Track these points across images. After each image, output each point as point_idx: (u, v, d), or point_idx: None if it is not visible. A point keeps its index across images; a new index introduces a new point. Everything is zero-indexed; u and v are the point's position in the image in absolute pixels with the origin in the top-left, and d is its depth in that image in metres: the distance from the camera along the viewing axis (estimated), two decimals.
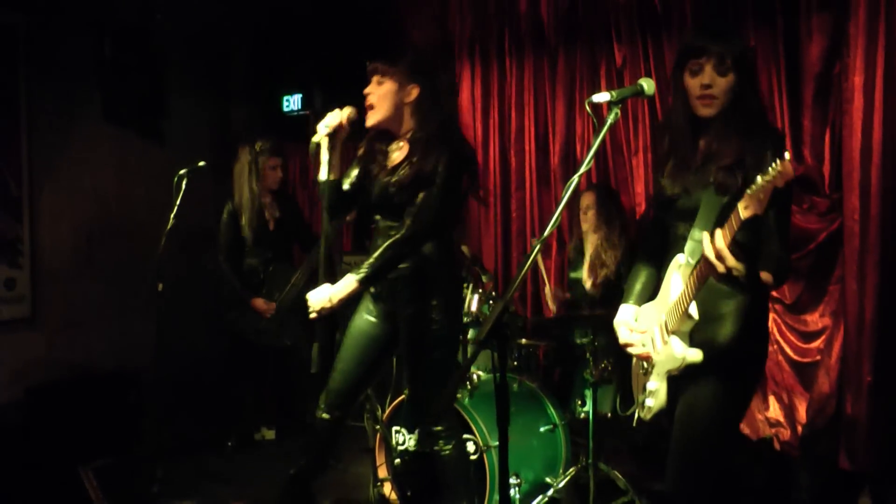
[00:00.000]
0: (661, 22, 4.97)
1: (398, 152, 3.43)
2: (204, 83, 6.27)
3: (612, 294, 4.66)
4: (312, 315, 3.31)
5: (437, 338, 3.39)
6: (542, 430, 4.32)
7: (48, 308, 5.24)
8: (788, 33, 4.54)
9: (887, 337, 4.14)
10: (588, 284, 4.89)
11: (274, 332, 5.32)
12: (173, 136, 5.91)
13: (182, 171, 4.69)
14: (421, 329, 3.38)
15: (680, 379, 2.60)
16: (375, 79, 3.37)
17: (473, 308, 4.50)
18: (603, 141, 2.48)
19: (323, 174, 3.35)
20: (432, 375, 3.42)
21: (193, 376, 5.53)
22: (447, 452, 3.50)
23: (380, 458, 4.26)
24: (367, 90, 3.38)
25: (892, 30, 4.08)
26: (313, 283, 3.38)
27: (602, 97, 2.50)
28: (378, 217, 3.45)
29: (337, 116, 3.30)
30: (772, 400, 4.67)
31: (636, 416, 2.84)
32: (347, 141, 3.42)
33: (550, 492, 4.17)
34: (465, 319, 4.43)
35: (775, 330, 4.59)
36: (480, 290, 4.61)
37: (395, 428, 3.95)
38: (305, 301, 3.33)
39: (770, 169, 2.15)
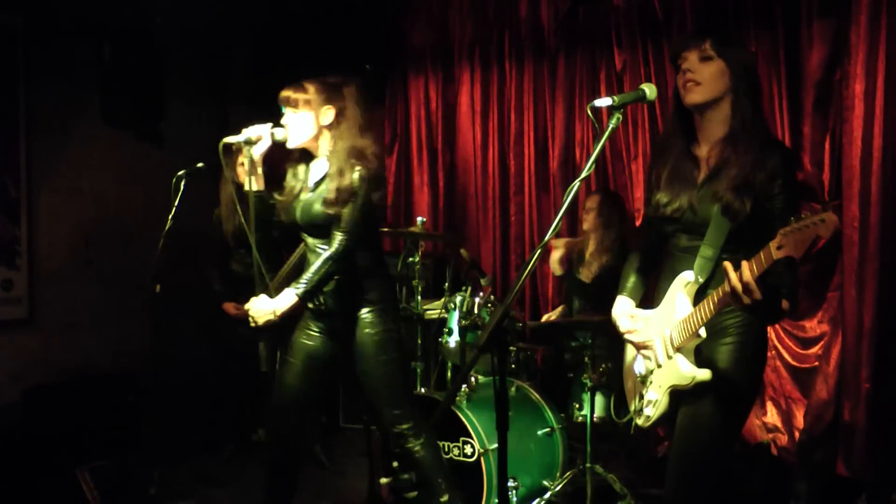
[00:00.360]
0: (662, 27, 4.98)
1: (317, 171, 3.51)
2: (203, 85, 6.27)
3: (599, 293, 4.69)
4: (254, 325, 3.39)
5: (381, 341, 3.47)
6: (539, 433, 4.31)
7: (46, 309, 5.22)
8: (789, 40, 4.55)
9: (886, 344, 4.15)
10: (583, 276, 4.93)
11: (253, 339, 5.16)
12: (172, 139, 5.90)
13: (180, 173, 4.66)
14: (364, 336, 3.46)
15: (682, 392, 2.59)
16: (289, 109, 3.46)
17: (475, 311, 4.50)
18: (603, 146, 2.47)
19: (252, 185, 3.44)
20: (385, 378, 3.50)
21: (191, 378, 5.51)
22: (418, 450, 3.54)
23: (375, 461, 4.26)
24: (283, 120, 3.47)
25: (893, 38, 4.10)
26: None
27: (604, 102, 2.48)
28: (305, 235, 3.53)
29: (263, 130, 3.42)
30: (769, 405, 4.67)
31: (633, 423, 2.83)
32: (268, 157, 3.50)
33: (547, 495, 4.17)
34: (465, 322, 4.43)
35: (774, 336, 4.60)
36: (480, 294, 4.61)
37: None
38: None
39: (810, 215, 2.10)
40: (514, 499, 4.00)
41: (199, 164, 4.79)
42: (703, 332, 2.50)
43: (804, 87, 4.50)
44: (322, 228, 3.42)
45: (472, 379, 4.33)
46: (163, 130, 5.87)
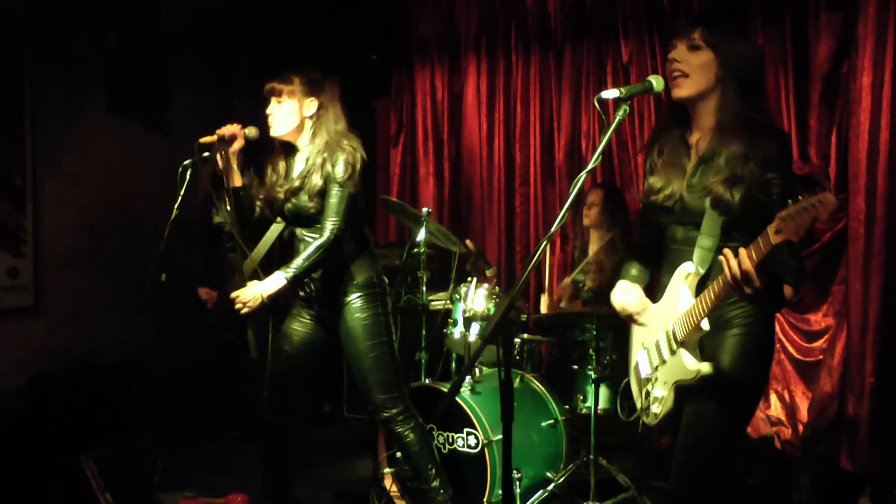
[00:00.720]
0: (669, 18, 4.96)
1: (300, 163, 3.61)
2: (208, 75, 6.26)
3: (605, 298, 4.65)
4: (245, 311, 3.48)
5: (369, 325, 3.55)
6: (543, 425, 4.32)
7: (51, 297, 5.23)
8: (796, 33, 4.54)
9: (890, 338, 4.14)
10: (587, 281, 4.90)
11: (220, 325, 5.16)
12: (177, 128, 5.90)
13: (186, 163, 4.67)
14: (352, 321, 3.54)
15: (688, 387, 2.57)
16: (273, 99, 3.58)
17: (480, 305, 4.49)
18: (610, 138, 2.46)
19: (236, 181, 3.61)
20: (373, 363, 3.56)
21: (195, 367, 5.52)
22: (407, 435, 3.61)
23: (380, 451, 4.27)
24: (267, 110, 3.59)
25: None
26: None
27: (611, 93, 2.47)
28: (295, 228, 3.63)
29: (234, 129, 3.55)
30: (773, 398, 4.67)
31: (640, 421, 2.82)
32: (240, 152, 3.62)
33: (551, 487, 4.17)
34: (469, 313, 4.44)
35: (778, 329, 4.59)
36: (485, 285, 4.61)
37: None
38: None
39: (807, 197, 2.07)
40: (518, 490, 4.00)
41: (205, 154, 4.80)
42: (705, 325, 2.47)
43: (811, 80, 4.49)
44: (308, 218, 3.53)
45: (477, 370, 4.33)
46: (168, 119, 5.87)
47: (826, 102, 4.45)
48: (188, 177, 4.62)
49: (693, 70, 2.54)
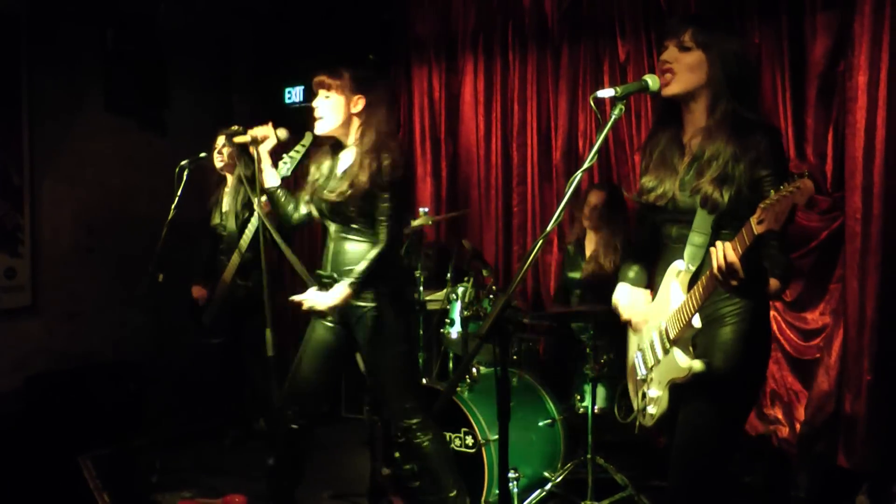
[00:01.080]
0: (665, 17, 4.95)
1: (345, 161, 3.54)
2: (206, 74, 6.27)
3: (602, 294, 4.64)
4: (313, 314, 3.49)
5: (391, 333, 3.50)
6: (540, 424, 4.32)
7: (48, 297, 5.24)
8: (793, 32, 4.53)
9: (887, 336, 4.14)
10: (584, 272, 4.89)
11: (207, 330, 5.11)
12: (175, 127, 5.90)
13: (184, 162, 4.69)
14: (375, 327, 3.48)
15: (682, 386, 2.57)
16: (322, 92, 3.51)
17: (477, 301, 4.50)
18: (606, 137, 2.46)
19: (271, 181, 3.57)
20: (395, 371, 3.54)
21: (193, 367, 5.53)
22: (426, 444, 3.57)
23: (378, 452, 4.27)
24: (314, 103, 3.52)
25: None
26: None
27: (607, 93, 2.48)
28: (328, 223, 3.57)
29: (267, 130, 3.53)
30: (771, 397, 4.67)
31: (637, 422, 2.82)
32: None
33: (549, 486, 4.18)
34: (467, 313, 4.44)
35: (775, 327, 4.59)
36: (482, 285, 4.61)
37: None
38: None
39: (786, 185, 2.08)
40: (515, 489, 4.01)
41: (202, 154, 4.81)
42: (696, 322, 2.48)
43: (807, 78, 4.49)
44: (348, 218, 3.47)
45: (474, 369, 4.33)
46: (166, 118, 5.88)
47: (822, 101, 4.44)
48: (185, 176, 4.65)
49: (681, 69, 2.56)
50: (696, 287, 2.44)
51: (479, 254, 5.14)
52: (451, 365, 4.86)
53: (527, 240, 5.70)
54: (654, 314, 2.67)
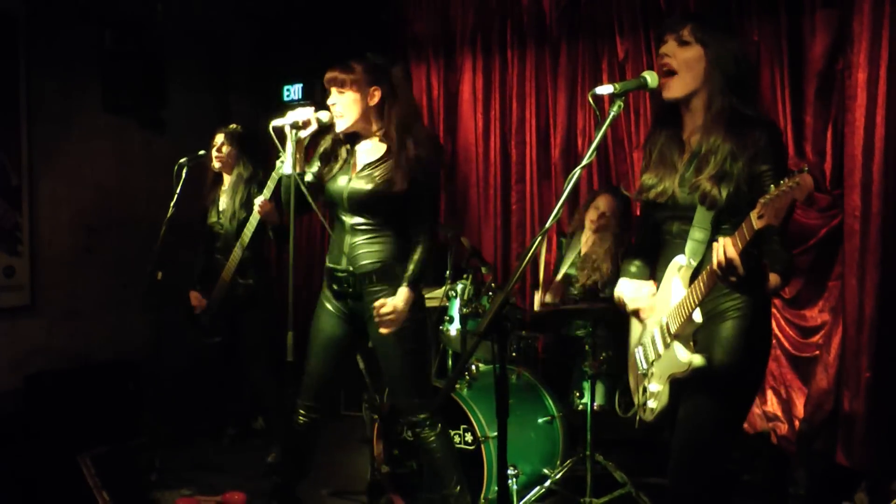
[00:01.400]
0: (664, 15, 4.96)
1: (367, 152, 3.48)
2: (204, 72, 6.26)
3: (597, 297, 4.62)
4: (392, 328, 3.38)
5: (404, 330, 3.42)
6: (539, 421, 4.33)
7: (47, 296, 5.23)
8: (792, 30, 4.54)
9: (886, 334, 4.15)
10: (580, 277, 4.82)
11: (206, 329, 4.99)
12: (173, 126, 5.90)
13: (182, 161, 4.69)
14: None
15: (682, 381, 2.58)
16: (335, 89, 3.42)
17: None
18: (605, 134, 2.46)
19: (288, 167, 3.36)
20: (406, 368, 3.50)
21: (192, 365, 5.52)
22: (432, 441, 3.56)
23: (377, 448, 4.26)
24: (330, 101, 3.43)
25: None
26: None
27: (605, 89, 2.47)
28: (344, 215, 3.48)
29: (308, 113, 3.36)
30: (770, 394, 4.68)
31: (638, 417, 2.82)
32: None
33: (548, 483, 4.18)
34: (466, 310, 4.44)
35: (775, 324, 4.60)
36: (481, 282, 4.61)
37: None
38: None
39: (786, 180, 2.08)
40: (515, 486, 4.01)
41: (201, 152, 4.81)
42: (697, 317, 2.47)
43: (806, 77, 4.49)
44: (368, 210, 3.41)
45: (473, 367, 4.33)
46: (164, 118, 5.87)
47: (822, 99, 4.45)
48: (184, 175, 4.65)
49: (681, 65, 2.56)
50: (697, 282, 2.44)
51: (478, 251, 5.13)
52: (449, 362, 4.86)
53: (525, 237, 5.70)
54: (656, 309, 2.68)
